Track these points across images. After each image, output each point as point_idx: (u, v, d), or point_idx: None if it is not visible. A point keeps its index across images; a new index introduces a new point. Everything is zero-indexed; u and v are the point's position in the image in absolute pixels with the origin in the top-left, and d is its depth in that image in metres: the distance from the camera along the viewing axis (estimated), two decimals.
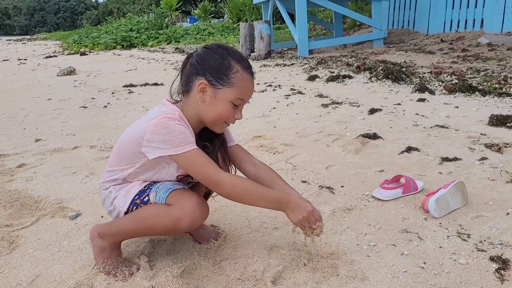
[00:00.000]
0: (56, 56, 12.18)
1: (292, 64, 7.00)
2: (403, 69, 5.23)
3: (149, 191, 1.48)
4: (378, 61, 6.12)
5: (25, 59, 11.48)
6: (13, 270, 1.60)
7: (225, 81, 1.42)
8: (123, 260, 1.58)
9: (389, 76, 4.94)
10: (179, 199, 1.44)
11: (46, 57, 11.77)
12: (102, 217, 1.99)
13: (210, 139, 1.57)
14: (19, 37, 34.14)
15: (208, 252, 1.65)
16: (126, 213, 1.50)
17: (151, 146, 1.39)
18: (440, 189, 1.91)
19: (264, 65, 7.22)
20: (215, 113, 1.45)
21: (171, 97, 1.57)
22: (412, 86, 4.54)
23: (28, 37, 33.23)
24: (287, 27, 9.56)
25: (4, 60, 11.60)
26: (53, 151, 3.05)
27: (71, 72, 7.66)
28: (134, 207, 1.48)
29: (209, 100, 1.44)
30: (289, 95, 4.60)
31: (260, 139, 3.12)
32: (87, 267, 1.57)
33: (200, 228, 1.76)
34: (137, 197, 1.48)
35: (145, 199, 1.47)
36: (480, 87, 4.13)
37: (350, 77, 5.31)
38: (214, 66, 1.42)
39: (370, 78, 5.11)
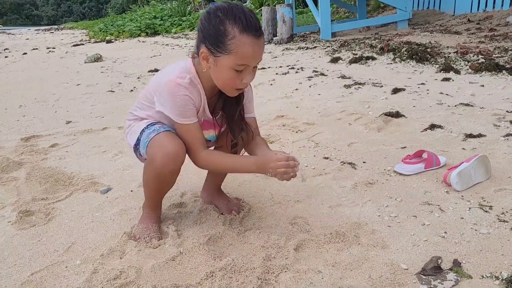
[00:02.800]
0: (83, 44, 12.41)
1: (315, 47, 6.97)
2: (428, 50, 5.15)
3: (147, 129, 1.57)
4: (402, 42, 6.03)
5: (53, 48, 11.74)
6: (50, 238, 1.70)
7: (222, 49, 1.36)
8: (156, 229, 1.66)
9: (413, 56, 4.87)
10: (153, 148, 1.51)
11: (74, 46, 12.01)
12: (131, 191, 2.08)
13: (230, 105, 1.60)
14: (46, 27, 34.81)
15: (232, 222, 1.71)
16: (134, 147, 1.63)
17: (159, 101, 1.49)
18: (462, 162, 1.92)
19: (287, 49, 7.21)
20: (220, 80, 1.45)
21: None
22: (437, 66, 4.47)
23: (56, 26, 33.82)
24: (310, 11, 9.48)
25: (33, 49, 11.89)
26: (84, 132, 3.16)
27: (98, 59, 7.82)
28: (137, 145, 1.61)
29: (213, 67, 1.42)
30: (311, 77, 4.61)
31: (283, 118, 3.15)
32: (119, 236, 1.66)
33: (225, 200, 1.82)
34: (142, 131, 1.59)
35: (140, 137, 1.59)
36: (508, 66, 4.04)
37: (373, 58, 5.26)
38: (211, 34, 1.37)
39: (393, 59, 5.05)
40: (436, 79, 3.99)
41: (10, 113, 3.99)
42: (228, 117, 1.62)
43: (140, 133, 1.59)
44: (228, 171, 1.60)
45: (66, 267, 1.49)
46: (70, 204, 1.98)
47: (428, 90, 3.62)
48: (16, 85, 5.73)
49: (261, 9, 9.35)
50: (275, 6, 9.40)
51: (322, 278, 1.36)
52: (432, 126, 2.66)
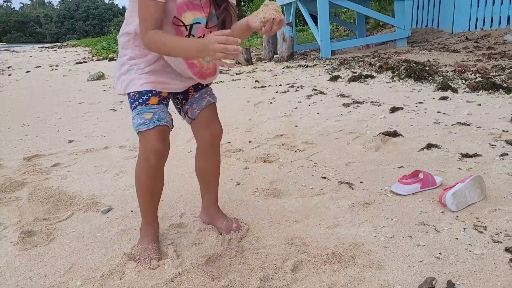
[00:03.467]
0: (86, 62, 12.56)
1: (315, 65, 7.05)
2: (426, 68, 5.22)
3: (141, 108, 1.58)
4: (401, 60, 6.11)
5: (56, 65, 11.89)
6: (51, 259, 1.73)
7: None
8: (156, 249, 1.69)
9: (412, 75, 4.94)
10: (141, 143, 1.60)
11: (76, 63, 12.16)
12: (132, 211, 2.11)
13: None
14: (50, 44, 35.25)
15: (231, 243, 1.74)
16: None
17: None
18: (457, 183, 1.95)
19: (287, 67, 7.29)
20: None
21: None
22: (435, 84, 4.53)
23: (59, 44, 34.24)
24: (310, 29, 9.60)
25: (37, 66, 12.04)
26: (85, 151, 3.21)
27: (100, 77, 7.92)
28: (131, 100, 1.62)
29: None
30: (311, 95, 4.67)
31: (282, 138, 3.19)
32: (119, 256, 1.68)
33: (224, 220, 1.85)
34: (134, 97, 1.60)
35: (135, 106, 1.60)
36: (505, 85, 4.10)
37: (372, 77, 5.33)
38: None
39: (392, 78, 5.12)
40: (433, 98, 4.04)
41: (13, 132, 4.05)
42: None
43: (131, 108, 1.63)
44: (170, 53, 1.51)
45: None
46: (71, 224, 2.01)
47: (425, 109, 3.67)
48: (19, 103, 5.80)
49: None
50: None
51: None
52: (429, 146, 2.70)
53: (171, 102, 1.76)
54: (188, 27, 1.54)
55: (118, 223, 1.99)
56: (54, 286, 1.53)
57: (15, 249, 1.80)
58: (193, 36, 1.56)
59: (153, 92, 1.59)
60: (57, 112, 4.95)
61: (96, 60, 13.01)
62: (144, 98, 1.59)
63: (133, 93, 1.60)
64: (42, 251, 1.79)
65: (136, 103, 1.60)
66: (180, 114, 1.79)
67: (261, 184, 2.35)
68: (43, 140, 3.67)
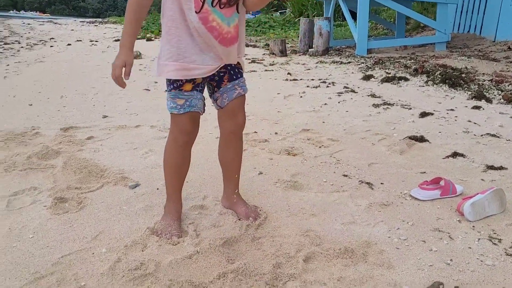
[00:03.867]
0: None
1: (349, 62, 7.02)
2: (463, 75, 5.13)
3: (175, 93, 1.68)
4: (437, 65, 6.01)
5: (96, 41, 12.19)
6: (80, 226, 1.85)
7: None
8: (177, 227, 1.79)
9: (447, 81, 4.87)
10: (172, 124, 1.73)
11: (115, 40, 12.41)
12: (157, 189, 2.21)
13: None
14: (91, 19, 36.02)
15: (248, 228, 1.82)
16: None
17: None
18: (477, 194, 1.96)
19: (321, 62, 7.28)
20: None
21: None
22: (469, 92, 4.46)
23: (100, 20, 34.89)
24: (348, 25, 9.52)
25: (77, 40, 12.38)
26: (118, 128, 3.34)
27: (137, 56, 8.09)
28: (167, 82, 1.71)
29: None
30: (341, 93, 4.68)
31: (308, 132, 3.24)
32: (142, 230, 1.79)
33: (243, 206, 1.93)
34: (170, 80, 1.69)
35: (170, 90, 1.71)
36: None
37: (406, 79, 5.28)
38: None
39: (426, 82, 5.06)
40: (466, 106, 4.00)
41: (52, 103, 4.23)
42: None
43: (167, 89, 1.73)
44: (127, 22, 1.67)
45: (93, 253, 1.63)
46: (101, 195, 2.13)
47: (456, 116, 3.64)
48: (59, 75, 6.02)
49: (300, 20, 9.45)
50: (313, 18, 9.50)
51: None
52: (455, 154, 2.70)
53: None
54: None
55: (144, 199, 2.10)
56: (81, 251, 1.65)
57: (47, 213, 1.93)
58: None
59: (188, 79, 1.67)
60: (94, 87, 5.13)
61: None
62: (178, 83, 1.67)
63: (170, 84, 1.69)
64: (72, 217, 1.91)
65: (171, 86, 1.69)
66: (210, 98, 1.85)
67: (283, 175, 2.41)
68: (80, 113, 3.83)
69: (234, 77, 1.79)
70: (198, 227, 1.83)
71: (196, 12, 1.57)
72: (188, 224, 1.84)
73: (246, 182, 2.30)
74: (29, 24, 22.88)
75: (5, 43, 11.00)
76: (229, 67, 1.77)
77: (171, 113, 1.72)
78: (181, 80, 1.66)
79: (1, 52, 8.80)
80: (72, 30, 18.49)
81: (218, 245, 1.66)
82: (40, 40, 12.43)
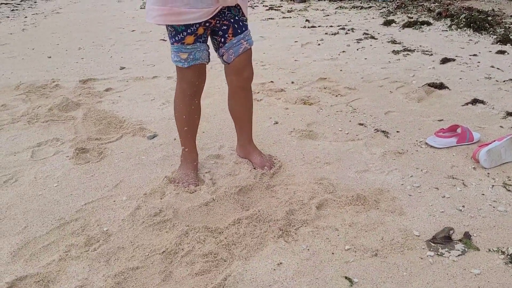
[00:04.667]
0: None
1: (370, 7, 6.77)
2: (489, 18, 4.91)
3: (177, 46, 1.67)
4: (463, 7, 5.76)
5: None
6: (102, 175, 1.92)
7: None
8: (194, 176, 1.84)
9: (471, 24, 4.68)
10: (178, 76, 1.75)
11: None
12: (174, 139, 2.25)
13: None
14: None
15: (263, 177, 1.86)
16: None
17: None
18: (494, 141, 1.94)
19: (341, 7, 7.05)
20: None
21: None
22: (495, 36, 4.29)
23: None
24: None
25: None
26: (136, 79, 3.36)
27: None
28: (168, 34, 1.70)
29: None
30: (360, 39, 4.56)
31: (325, 81, 3.20)
32: (160, 178, 1.85)
33: (258, 155, 1.96)
34: (171, 33, 1.66)
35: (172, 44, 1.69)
36: None
37: (428, 23, 5.09)
38: None
39: (450, 26, 4.87)
40: (490, 51, 3.86)
41: (70, 54, 4.26)
42: None
43: (170, 41, 1.71)
44: None
45: (114, 201, 1.71)
46: (120, 145, 2.19)
47: (479, 62, 3.53)
48: (76, 26, 6.01)
49: None
50: None
51: (338, 236, 1.49)
52: (475, 101, 2.65)
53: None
54: None
55: (162, 149, 2.15)
56: (103, 198, 1.72)
57: (70, 163, 2.01)
58: None
59: (189, 31, 1.63)
60: (111, 38, 5.12)
61: None
62: (180, 36, 1.63)
63: (170, 28, 1.65)
64: (93, 167, 1.99)
65: (173, 40, 1.66)
66: (216, 52, 1.80)
67: (298, 125, 2.42)
68: (97, 64, 3.85)
69: (239, 30, 1.73)
70: (214, 176, 1.88)
71: None
72: (204, 173, 1.89)
73: (262, 132, 2.32)
74: None
75: None
76: (232, 20, 1.70)
77: (176, 66, 1.72)
78: (183, 33, 1.63)
79: (18, 4, 8.77)
80: None
81: (233, 193, 1.71)
82: None
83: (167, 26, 1.65)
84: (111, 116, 2.56)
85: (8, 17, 6.95)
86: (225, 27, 1.71)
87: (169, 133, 2.34)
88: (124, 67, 3.74)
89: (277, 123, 2.46)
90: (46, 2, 9.47)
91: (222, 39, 1.73)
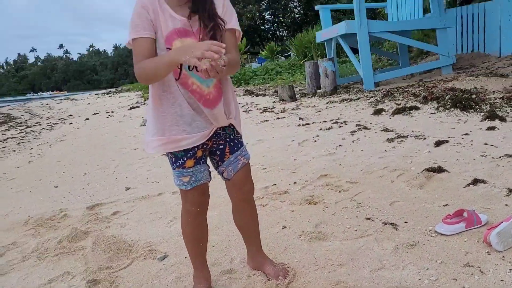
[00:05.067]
0: (138, 106, 13.23)
1: (358, 98, 7.11)
2: (473, 96, 5.14)
3: (179, 171, 1.75)
4: (446, 89, 6.04)
5: (112, 112, 12.62)
6: None
7: None
8: None
9: (457, 104, 4.89)
10: (182, 198, 1.82)
11: (130, 108, 12.84)
12: (185, 257, 2.25)
13: (198, 3, 1.62)
14: (105, 90, 37.39)
15: None
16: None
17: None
18: (502, 221, 1.95)
19: (330, 102, 7.39)
20: None
21: None
22: (482, 114, 4.46)
23: (114, 89, 36.18)
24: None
25: (94, 113, 12.85)
26: (141, 198, 3.43)
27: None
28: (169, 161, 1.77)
29: None
30: (354, 131, 4.72)
31: (326, 178, 3.27)
32: None
33: (271, 265, 1.95)
34: (172, 159, 1.75)
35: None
36: None
37: (416, 108, 5.32)
38: None
39: (437, 108, 5.08)
40: (480, 128, 3.99)
41: (76, 181, 4.38)
42: (197, 10, 1.62)
43: (171, 167, 1.78)
44: (152, 71, 1.55)
45: None
46: (131, 272, 2.18)
47: (472, 141, 3.63)
48: (80, 152, 6.24)
49: (304, 63, 9.68)
50: (317, 59, 9.71)
51: None
52: (475, 181, 2.69)
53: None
54: None
55: (174, 270, 2.14)
56: None
57: None
58: None
59: (188, 155, 1.73)
60: (114, 159, 5.29)
61: (148, 104, 13.67)
62: (180, 161, 1.73)
63: (170, 155, 1.74)
64: None
65: (174, 165, 1.75)
66: (216, 170, 1.87)
67: (306, 227, 2.43)
68: (103, 188, 3.95)
69: (235, 148, 1.81)
70: None
71: (176, 79, 1.63)
72: None
73: (271, 238, 2.32)
74: (47, 104, 23.90)
75: (27, 127, 11.49)
76: (228, 139, 1.79)
77: (179, 189, 1.78)
78: (183, 158, 1.72)
79: (24, 137, 9.18)
80: (89, 104, 19.21)
81: None
82: (59, 119, 12.94)
83: (168, 153, 1.75)
84: (120, 241, 2.58)
85: (14, 151, 7.23)
86: (221, 147, 1.81)
87: (180, 251, 2.34)
88: (129, 187, 3.83)
89: (285, 227, 2.48)
90: (50, 131, 9.92)
91: (220, 158, 1.82)
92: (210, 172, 1.82)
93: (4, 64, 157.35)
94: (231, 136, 1.82)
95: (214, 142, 1.78)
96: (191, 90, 1.66)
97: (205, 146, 1.76)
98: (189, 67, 1.63)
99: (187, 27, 1.61)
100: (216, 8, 1.65)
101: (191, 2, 1.63)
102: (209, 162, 1.85)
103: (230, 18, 1.68)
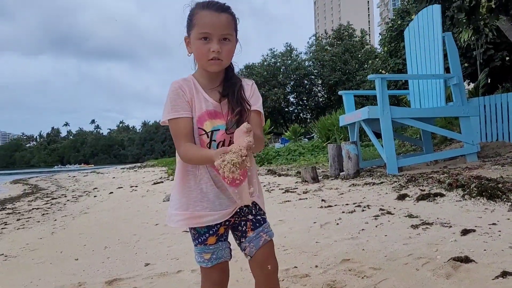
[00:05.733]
0: (162, 182, 13.45)
1: (381, 182, 7.08)
2: (499, 185, 5.07)
3: (201, 248, 1.79)
4: (472, 177, 5.99)
5: (136, 186, 12.84)
6: None
7: (190, 26, 1.73)
8: None
9: (483, 193, 4.81)
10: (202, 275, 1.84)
11: (154, 184, 13.05)
12: None
13: (228, 88, 1.77)
14: (131, 165, 38.29)
15: None
16: None
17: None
18: None
19: (353, 185, 7.37)
20: (196, 56, 1.74)
21: None
22: (509, 203, 4.37)
23: (139, 164, 37.02)
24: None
25: (119, 187, 13.08)
26: (160, 275, 3.39)
27: (167, 199, 8.43)
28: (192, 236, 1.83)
29: (192, 48, 1.74)
30: (378, 216, 4.66)
31: (349, 262, 3.19)
32: None
33: None
34: (194, 236, 1.81)
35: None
36: None
37: (441, 195, 5.25)
38: (187, 21, 1.76)
39: (463, 196, 5.01)
40: (508, 219, 3.89)
41: (97, 254, 4.38)
42: (227, 94, 1.76)
43: (193, 243, 1.83)
44: (197, 161, 1.67)
45: None
46: None
47: (500, 231, 3.54)
48: (102, 225, 6.30)
49: (327, 146, 9.82)
50: (340, 142, 9.86)
51: None
52: (504, 274, 2.58)
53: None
54: (209, 133, 1.73)
55: None
56: None
57: None
58: (215, 141, 1.74)
59: (211, 232, 1.76)
60: (135, 234, 5.31)
61: (171, 180, 13.88)
62: (202, 238, 1.76)
63: (192, 231, 1.78)
64: None
65: (196, 242, 1.79)
66: (239, 247, 1.88)
67: None
68: (123, 263, 3.93)
69: (257, 224, 1.83)
70: None
71: None
72: None
73: None
74: (74, 176, 24.53)
75: (52, 198, 11.74)
76: (250, 216, 1.82)
77: (200, 266, 1.79)
78: (205, 234, 1.75)
79: (49, 208, 9.35)
80: (114, 177, 19.63)
81: None
82: (85, 191, 13.21)
83: (190, 229, 1.78)
84: None
85: (38, 221, 7.35)
86: (243, 223, 1.84)
87: None
88: (148, 264, 3.80)
89: None
90: (75, 203, 10.09)
91: (243, 234, 1.84)
92: (231, 250, 1.84)
93: (38, 137, 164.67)
94: (254, 212, 1.85)
95: (237, 219, 1.82)
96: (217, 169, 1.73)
97: (227, 223, 1.79)
98: (217, 146, 1.73)
99: (217, 109, 1.74)
100: (244, 92, 1.78)
101: (222, 87, 1.76)
102: (231, 239, 1.87)
103: (256, 102, 1.82)
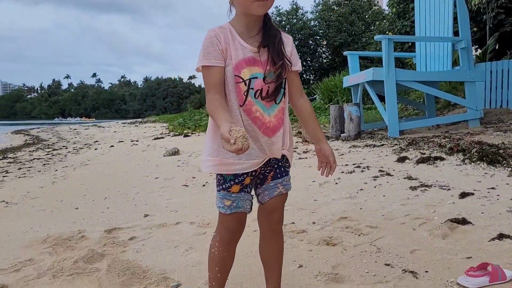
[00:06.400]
0: (163, 137, 13.45)
1: (382, 145, 7.07)
2: (500, 151, 5.06)
3: (223, 194, 1.77)
4: (473, 142, 5.97)
5: (136, 141, 12.86)
6: None
7: None
8: None
9: (484, 158, 4.80)
10: (219, 221, 1.83)
11: (154, 139, 13.05)
12: None
13: (268, 38, 1.72)
14: (132, 120, 38.22)
15: None
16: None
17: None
18: None
19: (354, 146, 7.37)
20: (238, 2, 1.66)
21: None
22: (510, 169, 4.37)
23: (140, 120, 36.92)
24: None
25: (119, 141, 13.10)
26: (159, 226, 3.43)
27: (175, 152, 8.46)
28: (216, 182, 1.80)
29: None
30: (377, 177, 4.68)
31: (346, 220, 3.22)
32: None
33: None
34: (219, 181, 1.78)
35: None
36: None
37: (442, 159, 5.25)
38: None
39: (463, 160, 5.01)
40: (507, 184, 3.90)
41: (96, 205, 4.43)
42: (267, 45, 1.71)
43: (216, 187, 1.81)
44: (212, 117, 1.65)
45: None
46: None
47: (498, 195, 3.55)
48: (103, 177, 6.34)
49: (329, 107, 9.75)
50: (343, 103, 9.78)
51: None
52: (501, 236, 2.60)
53: None
54: (247, 81, 1.69)
55: None
56: None
57: None
58: (252, 89, 1.69)
59: (236, 181, 1.75)
60: (135, 186, 5.35)
61: (172, 136, 13.88)
62: (227, 185, 1.75)
63: (218, 177, 1.78)
64: None
65: (220, 187, 1.78)
66: (255, 192, 1.88)
67: (323, 268, 2.38)
68: (122, 213, 3.98)
69: (279, 175, 1.82)
70: None
71: (240, 105, 1.69)
72: None
73: (287, 277, 2.28)
74: (75, 129, 24.54)
75: (54, 149, 11.78)
76: (275, 165, 1.81)
77: (219, 211, 1.79)
78: (230, 182, 1.75)
79: (50, 158, 9.40)
80: (115, 131, 19.63)
81: None
82: (85, 144, 13.25)
83: (217, 174, 1.78)
84: (134, 266, 2.57)
85: (39, 171, 7.40)
86: (267, 171, 1.83)
87: (193, 281, 2.32)
88: (148, 215, 3.84)
89: (301, 266, 2.43)
90: (76, 155, 10.14)
91: (261, 181, 1.84)
92: (252, 203, 1.82)
93: (39, 88, 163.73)
94: (279, 163, 1.83)
95: (262, 169, 1.80)
96: (253, 117, 1.71)
97: (254, 173, 1.78)
98: (255, 94, 1.70)
99: (256, 56, 1.70)
100: (284, 46, 1.75)
101: (261, 37, 1.72)
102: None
103: (296, 62, 1.79)
